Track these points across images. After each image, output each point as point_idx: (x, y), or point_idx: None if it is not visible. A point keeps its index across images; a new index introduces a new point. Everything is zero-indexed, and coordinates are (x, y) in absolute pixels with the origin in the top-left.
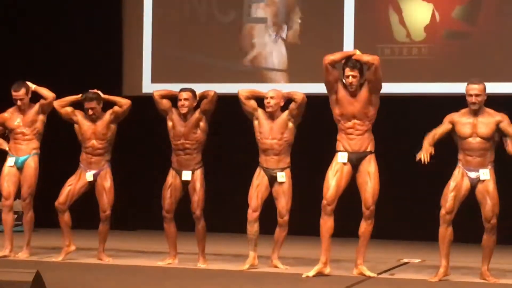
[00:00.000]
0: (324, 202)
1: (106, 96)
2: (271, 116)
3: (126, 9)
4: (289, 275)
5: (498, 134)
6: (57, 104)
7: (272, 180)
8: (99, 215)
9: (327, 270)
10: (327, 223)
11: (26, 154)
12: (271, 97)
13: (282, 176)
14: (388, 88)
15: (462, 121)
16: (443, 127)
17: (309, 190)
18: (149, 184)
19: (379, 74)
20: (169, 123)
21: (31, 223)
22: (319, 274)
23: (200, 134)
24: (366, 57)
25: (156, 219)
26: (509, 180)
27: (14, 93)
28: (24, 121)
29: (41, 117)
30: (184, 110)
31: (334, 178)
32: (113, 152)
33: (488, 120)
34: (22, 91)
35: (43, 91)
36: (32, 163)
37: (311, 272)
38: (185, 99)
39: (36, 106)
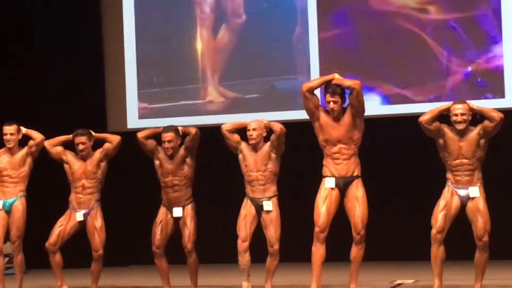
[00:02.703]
0: (316, 229)
1: (96, 134)
2: (254, 148)
3: (107, 44)
4: None
5: (485, 140)
6: (47, 143)
7: (259, 209)
8: (90, 254)
9: None
10: (319, 251)
11: (13, 196)
12: (253, 129)
13: (269, 205)
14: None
15: (451, 136)
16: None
17: (298, 216)
18: (140, 219)
19: (361, 98)
20: (156, 162)
21: (22, 265)
22: None
23: (188, 170)
24: (347, 82)
25: (148, 254)
26: (498, 196)
27: (5, 128)
28: (11, 163)
29: (29, 160)
30: (169, 152)
31: (324, 205)
32: (103, 188)
33: (471, 137)
34: (14, 127)
35: (32, 133)
36: (20, 206)
37: None
38: (169, 142)
39: (25, 149)
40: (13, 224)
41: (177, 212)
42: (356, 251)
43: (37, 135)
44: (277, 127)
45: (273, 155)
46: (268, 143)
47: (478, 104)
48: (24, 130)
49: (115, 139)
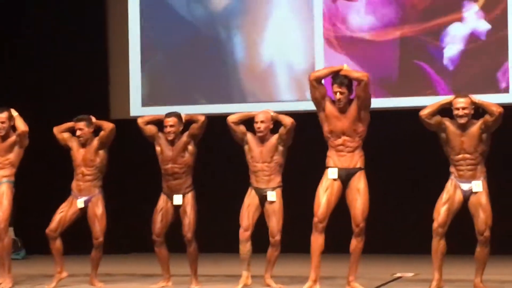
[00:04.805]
0: (315, 219)
1: (96, 121)
2: (261, 140)
3: (111, 31)
4: None
5: (487, 135)
6: (55, 130)
7: (263, 199)
8: (91, 241)
9: None
10: (318, 241)
11: None
12: (261, 122)
13: (272, 195)
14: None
15: (453, 131)
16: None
17: (301, 208)
18: (142, 207)
19: (369, 90)
20: (157, 148)
21: (9, 249)
22: None
23: (189, 157)
24: (355, 73)
25: (148, 242)
26: (501, 191)
27: None
28: None
29: (16, 149)
30: (170, 137)
31: (324, 195)
32: (104, 176)
33: (473, 131)
34: (5, 114)
35: (17, 121)
36: (2, 188)
37: None
38: (171, 126)
39: (14, 136)
40: None
41: (177, 199)
42: (355, 244)
43: (19, 125)
44: (288, 121)
45: (280, 148)
46: (276, 136)
47: (480, 98)
48: (15, 115)
49: (107, 126)
